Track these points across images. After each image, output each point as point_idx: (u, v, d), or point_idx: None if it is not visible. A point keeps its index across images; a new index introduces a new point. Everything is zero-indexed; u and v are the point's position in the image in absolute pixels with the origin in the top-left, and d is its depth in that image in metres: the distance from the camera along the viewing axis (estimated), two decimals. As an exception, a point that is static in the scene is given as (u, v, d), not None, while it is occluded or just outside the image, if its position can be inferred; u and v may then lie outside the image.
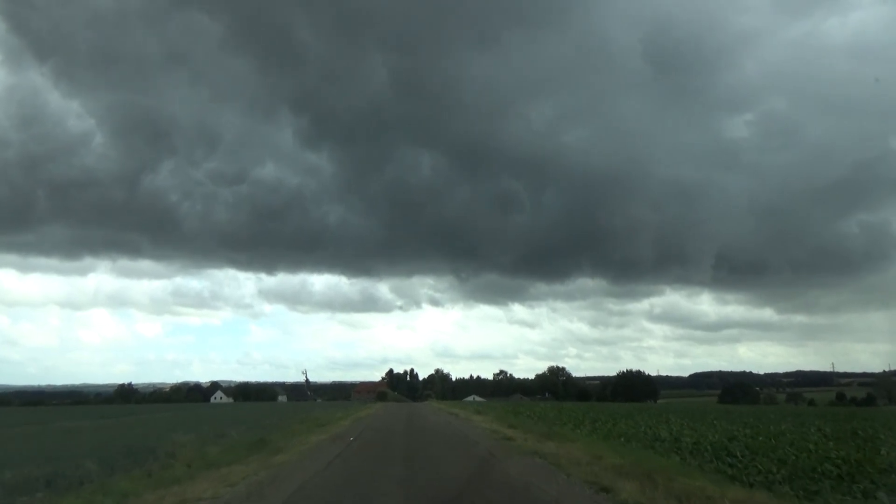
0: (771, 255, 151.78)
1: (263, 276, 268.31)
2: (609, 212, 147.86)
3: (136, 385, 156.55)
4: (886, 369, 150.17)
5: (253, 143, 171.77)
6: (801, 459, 14.17)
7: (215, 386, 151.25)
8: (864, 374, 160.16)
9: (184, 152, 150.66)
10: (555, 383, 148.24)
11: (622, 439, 20.72)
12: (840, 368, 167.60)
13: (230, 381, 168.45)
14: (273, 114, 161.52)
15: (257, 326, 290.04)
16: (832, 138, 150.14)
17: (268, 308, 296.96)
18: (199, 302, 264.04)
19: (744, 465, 13.89)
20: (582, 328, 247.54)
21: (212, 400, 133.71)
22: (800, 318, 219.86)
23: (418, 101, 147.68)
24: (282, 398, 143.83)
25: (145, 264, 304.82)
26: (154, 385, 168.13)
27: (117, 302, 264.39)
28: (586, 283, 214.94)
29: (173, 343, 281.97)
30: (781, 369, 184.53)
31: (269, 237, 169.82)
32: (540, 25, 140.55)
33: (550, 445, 14.98)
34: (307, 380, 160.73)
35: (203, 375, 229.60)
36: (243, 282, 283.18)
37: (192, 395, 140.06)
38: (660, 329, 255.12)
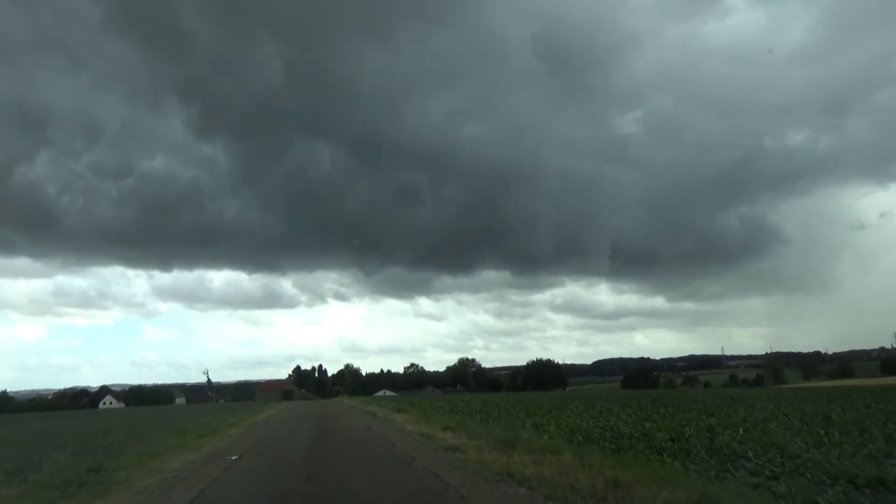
0: (660, 246, 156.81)
1: (157, 273, 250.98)
2: (509, 205, 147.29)
3: (16, 392, 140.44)
4: (769, 351, 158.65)
5: (139, 133, 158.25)
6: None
7: (104, 390, 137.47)
8: (750, 357, 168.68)
9: (61, 143, 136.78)
10: (465, 375, 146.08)
11: (580, 437, 16.47)
12: (728, 352, 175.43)
13: (124, 385, 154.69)
14: (160, 103, 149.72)
15: (152, 326, 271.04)
16: (713, 136, 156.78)
17: (163, 306, 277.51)
18: (85, 301, 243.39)
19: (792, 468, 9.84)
20: (488, 320, 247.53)
21: (100, 405, 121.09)
22: (688, 306, 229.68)
23: (315, 93, 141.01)
24: (180, 400, 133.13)
25: (21, 262, 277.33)
26: (38, 392, 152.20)
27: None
28: (490, 275, 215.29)
29: (58, 346, 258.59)
30: (676, 354, 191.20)
31: (162, 233, 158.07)
32: (434, 19, 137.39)
33: (525, 461, 10.11)
34: (209, 380, 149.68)
35: (94, 379, 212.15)
36: (133, 279, 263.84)
37: (77, 400, 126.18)
38: (562, 319, 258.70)
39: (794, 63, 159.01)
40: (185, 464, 12.72)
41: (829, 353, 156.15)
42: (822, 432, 15.34)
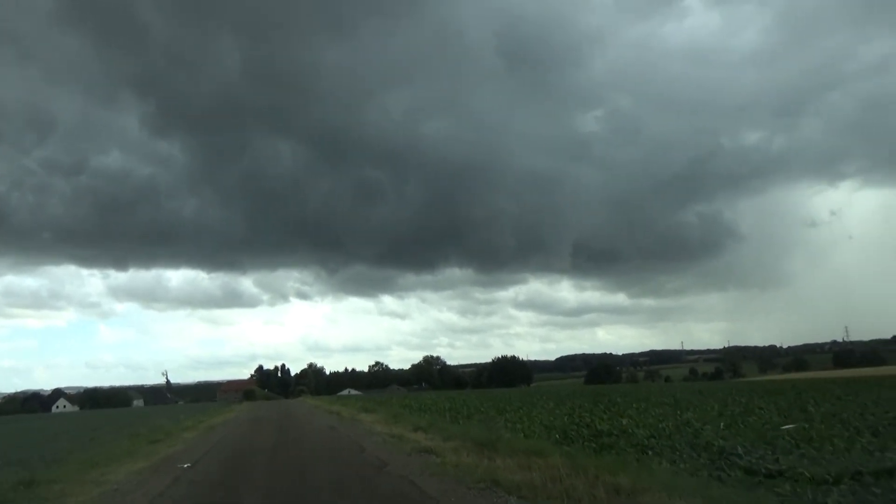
0: (621, 244, 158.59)
1: (112, 272, 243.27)
2: (472, 202, 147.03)
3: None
4: (726, 345, 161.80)
5: (93, 129, 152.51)
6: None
7: (58, 393, 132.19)
8: (708, 351, 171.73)
9: (11, 138, 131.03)
10: (430, 373, 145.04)
11: (557, 436, 15.64)
12: (688, 346, 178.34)
13: (79, 387, 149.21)
14: (115, 98, 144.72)
15: (108, 327, 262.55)
16: (671, 135, 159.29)
17: (119, 306, 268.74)
18: (37, 302, 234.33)
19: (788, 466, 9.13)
20: (452, 317, 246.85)
21: (53, 409, 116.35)
22: (649, 302, 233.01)
23: (275, 89, 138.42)
24: (138, 403, 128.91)
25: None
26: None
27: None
28: (454, 272, 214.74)
29: (9, 349, 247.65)
30: (637, 349, 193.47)
31: (117, 231, 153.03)
32: (396, 15, 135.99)
33: (510, 465, 9.13)
34: (168, 381, 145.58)
35: (48, 382, 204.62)
36: (88, 279, 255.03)
37: (29, 404, 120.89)
38: (525, 316, 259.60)
39: (750, 64, 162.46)
40: (131, 474, 11.40)
41: (784, 346, 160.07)
42: (807, 426, 14.88)
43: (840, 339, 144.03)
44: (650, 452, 12.00)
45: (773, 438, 12.97)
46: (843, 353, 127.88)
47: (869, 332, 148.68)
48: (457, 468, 9.42)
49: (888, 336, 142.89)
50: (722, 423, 16.66)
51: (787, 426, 15.23)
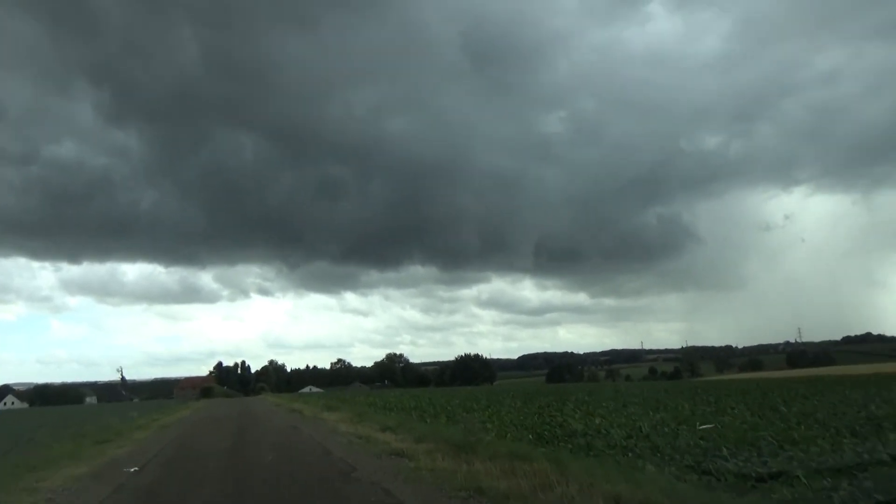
0: (582, 244, 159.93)
1: (65, 265, 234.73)
2: (435, 200, 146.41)
3: None
4: (684, 345, 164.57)
5: (45, 117, 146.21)
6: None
7: (6, 389, 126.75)
8: (667, 350, 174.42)
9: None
10: (393, 370, 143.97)
11: (530, 436, 14.97)
12: (647, 346, 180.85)
13: (28, 384, 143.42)
14: (68, 86, 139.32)
15: (60, 321, 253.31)
16: (632, 138, 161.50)
17: (72, 301, 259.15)
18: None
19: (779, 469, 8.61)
20: (415, 315, 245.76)
21: (0, 405, 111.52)
22: (609, 302, 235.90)
23: (235, 81, 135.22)
24: (91, 400, 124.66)
25: None
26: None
27: None
28: (417, 270, 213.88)
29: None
30: (598, 348, 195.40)
31: (70, 223, 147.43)
32: (360, 11, 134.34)
33: (492, 471, 8.29)
34: (123, 378, 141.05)
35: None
36: (38, 272, 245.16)
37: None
38: (488, 314, 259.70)
39: (709, 70, 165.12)
40: (70, 480, 10.24)
41: (739, 347, 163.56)
42: (783, 426, 14.53)
43: (793, 340, 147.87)
44: (630, 454, 11.39)
45: (755, 440, 12.55)
46: (796, 354, 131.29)
47: (820, 334, 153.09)
48: (433, 473, 8.57)
49: (838, 338, 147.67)
50: (698, 423, 16.25)
51: (704, 426, 15.09)
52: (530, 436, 14.95)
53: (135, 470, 11.30)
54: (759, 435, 13.11)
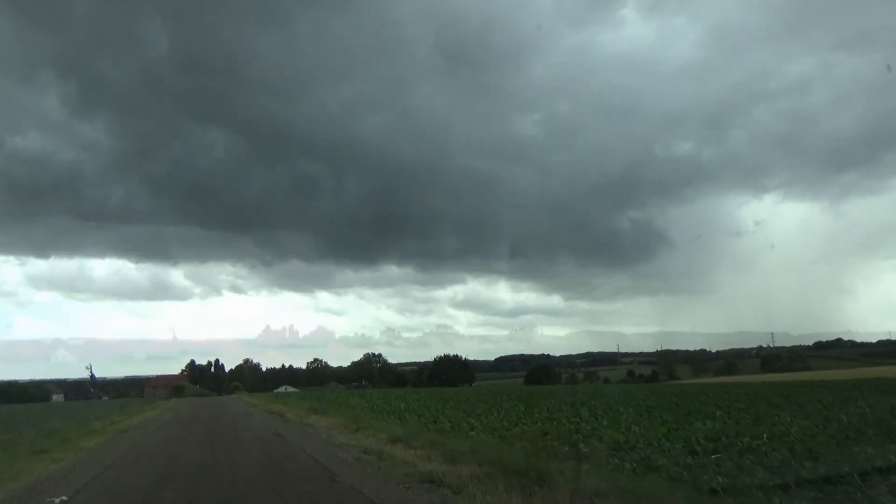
0: (557, 247, 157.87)
1: (31, 259, 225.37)
2: (410, 201, 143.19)
3: None
4: (659, 348, 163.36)
5: (8, 108, 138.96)
6: None
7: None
8: (642, 354, 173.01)
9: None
10: (371, 370, 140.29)
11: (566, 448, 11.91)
12: (623, 349, 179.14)
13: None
14: (33, 77, 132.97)
15: (25, 317, 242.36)
16: (606, 141, 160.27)
17: (39, 296, 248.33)
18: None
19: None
20: (390, 315, 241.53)
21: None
22: (583, 305, 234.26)
23: (206, 75, 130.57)
24: (57, 397, 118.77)
25: None
26: None
27: None
28: (393, 270, 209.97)
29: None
30: (574, 351, 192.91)
31: (37, 217, 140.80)
32: (335, 8, 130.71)
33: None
34: (92, 375, 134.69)
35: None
36: (3, 266, 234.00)
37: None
38: (464, 316, 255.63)
39: (682, 76, 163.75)
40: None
41: (713, 350, 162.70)
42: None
43: (765, 345, 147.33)
44: (716, 473, 8.47)
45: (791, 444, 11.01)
46: (771, 358, 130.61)
47: (791, 339, 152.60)
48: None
49: (810, 343, 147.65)
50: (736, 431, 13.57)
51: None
52: (566, 448, 11.89)
53: (61, 501, 7.90)
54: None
